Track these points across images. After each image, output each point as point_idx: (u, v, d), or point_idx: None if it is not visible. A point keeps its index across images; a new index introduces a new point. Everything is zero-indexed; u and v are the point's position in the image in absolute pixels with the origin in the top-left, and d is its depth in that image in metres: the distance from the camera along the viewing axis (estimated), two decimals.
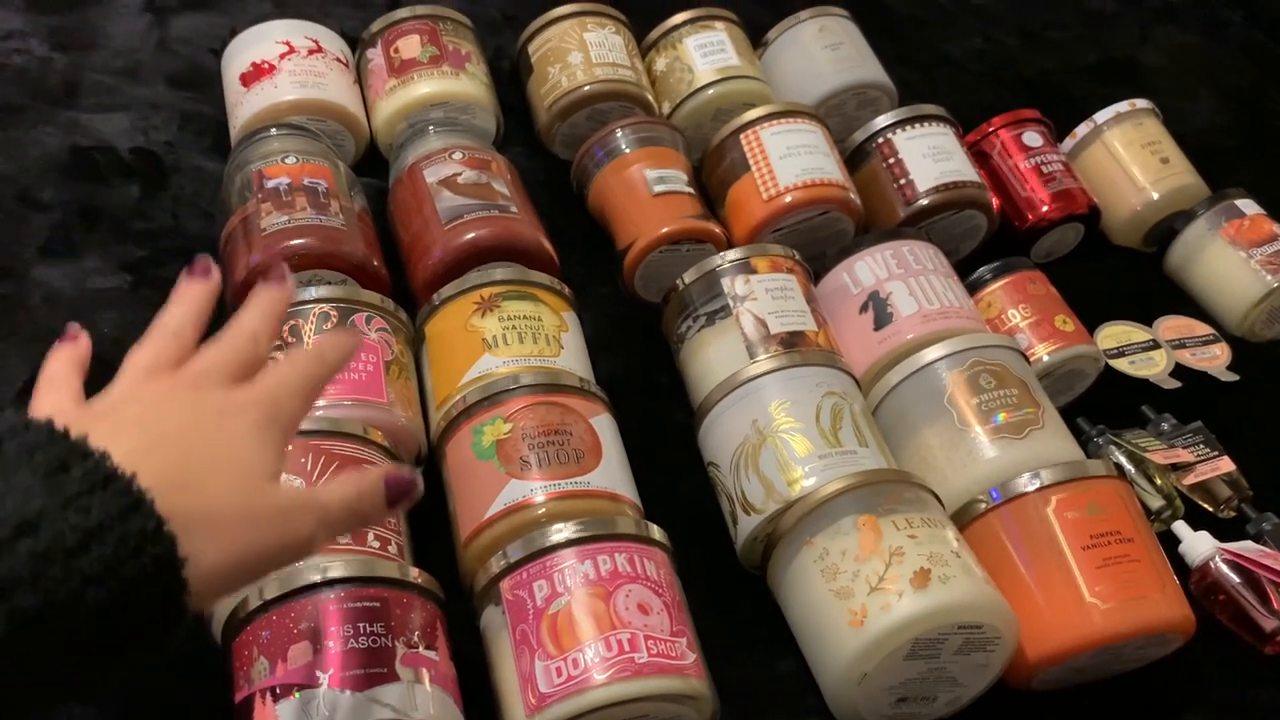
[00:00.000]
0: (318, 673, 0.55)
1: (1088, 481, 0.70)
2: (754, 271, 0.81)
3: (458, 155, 0.88)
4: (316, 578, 0.58)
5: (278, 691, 0.55)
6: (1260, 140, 1.23)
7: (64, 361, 0.47)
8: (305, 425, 0.66)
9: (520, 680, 0.59)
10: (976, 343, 0.78)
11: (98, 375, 0.78)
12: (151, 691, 0.64)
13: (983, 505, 0.71)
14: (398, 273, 0.86)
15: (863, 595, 0.63)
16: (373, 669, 0.56)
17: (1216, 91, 1.29)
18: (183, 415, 0.41)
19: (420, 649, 0.58)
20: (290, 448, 0.64)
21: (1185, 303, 1.02)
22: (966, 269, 0.93)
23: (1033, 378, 0.79)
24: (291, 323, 0.72)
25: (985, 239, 1.00)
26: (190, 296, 0.49)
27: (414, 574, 0.62)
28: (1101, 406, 0.90)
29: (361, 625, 0.57)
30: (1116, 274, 1.05)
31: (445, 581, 0.67)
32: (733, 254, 0.82)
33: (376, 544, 0.63)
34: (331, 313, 0.73)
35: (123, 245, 0.88)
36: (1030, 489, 0.70)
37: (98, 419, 0.40)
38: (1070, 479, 0.70)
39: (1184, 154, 1.07)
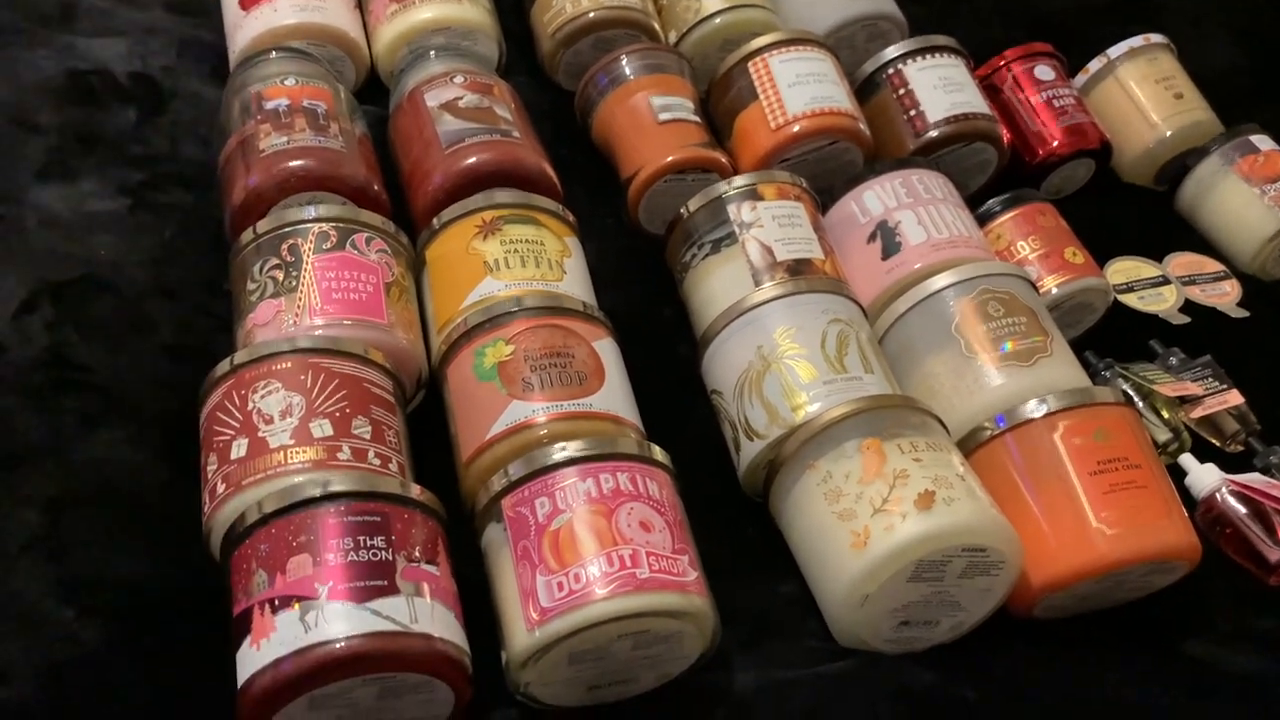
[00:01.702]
0: (317, 585, 0.55)
1: (1095, 408, 0.69)
2: (760, 198, 0.80)
3: (459, 79, 0.87)
4: (316, 492, 0.58)
5: (276, 603, 0.55)
6: (1278, 80, 1.21)
7: None
8: (304, 344, 0.65)
9: (521, 595, 0.59)
10: (985, 270, 0.77)
11: (95, 297, 0.78)
12: (150, 607, 0.63)
13: (988, 432, 0.70)
14: (400, 202, 0.84)
15: (866, 517, 0.63)
16: (373, 581, 0.55)
17: (1234, 31, 1.26)
18: None
19: (421, 564, 0.58)
20: (289, 365, 0.64)
21: (1196, 241, 1.01)
22: (976, 204, 0.91)
23: (1042, 307, 0.78)
24: (290, 242, 0.71)
25: (995, 174, 0.98)
26: None
27: (415, 490, 0.61)
28: (1110, 342, 0.89)
29: (362, 539, 0.57)
30: (1127, 211, 1.03)
31: (445, 507, 0.67)
32: (739, 180, 0.81)
33: (377, 461, 0.63)
34: (331, 232, 0.72)
35: (120, 169, 0.87)
36: (1037, 415, 0.69)
37: None
38: (1078, 405, 0.69)
39: (1199, 92, 1.05)
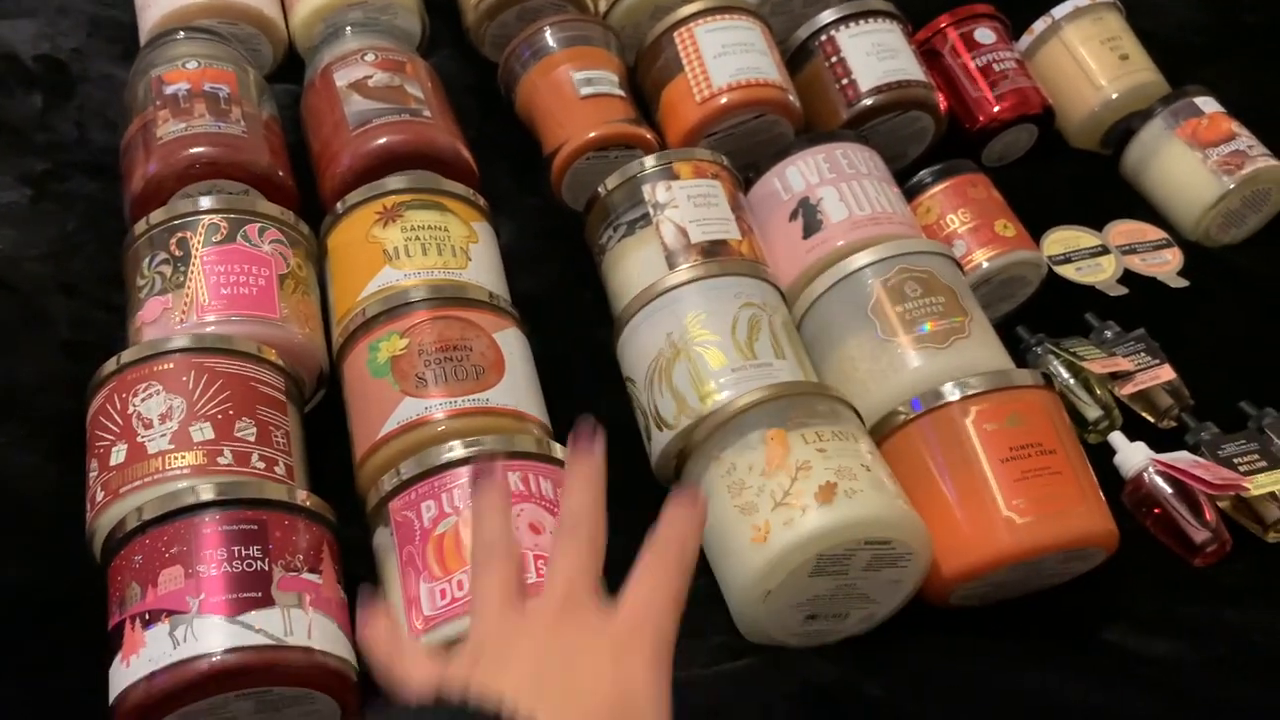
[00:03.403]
0: (188, 598, 0.53)
1: (1012, 392, 0.67)
2: (676, 177, 0.77)
3: (370, 57, 0.84)
4: (189, 500, 0.56)
5: (147, 617, 0.53)
6: (1233, 38, 1.18)
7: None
8: (186, 343, 0.63)
9: (406, 603, 0.57)
10: (904, 249, 0.75)
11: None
12: (33, 616, 0.62)
13: (902, 416, 0.68)
14: (315, 186, 0.82)
15: (766, 511, 0.61)
16: (246, 593, 0.54)
17: None
18: (583, 663, 0.39)
19: (302, 573, 0.56)
20: (171, 366, 0.62)
21: (1142, 207, 0.98)
22: (914, 173, 0.89)
23: (963, 285, 0.75)
24: (180, 235, 0.69)
25: (933, 142, 0.95)
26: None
27: (300, 496, 0.59)
28: (1047, 314, 0.87)
29: (237, 549, 0.55)
30: (1072, 178, 1.00)
31: (350, 502, 0.65)
32: (654, 159, 0.78)
33: (262, 465, 0.61)
34: (221, 224, 0.69)
35: (23, 158, 0.84)
36: (951, 399, 0.67)
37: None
38: (993, 389, 0.67)
39: (1150, 51, 1.02)
